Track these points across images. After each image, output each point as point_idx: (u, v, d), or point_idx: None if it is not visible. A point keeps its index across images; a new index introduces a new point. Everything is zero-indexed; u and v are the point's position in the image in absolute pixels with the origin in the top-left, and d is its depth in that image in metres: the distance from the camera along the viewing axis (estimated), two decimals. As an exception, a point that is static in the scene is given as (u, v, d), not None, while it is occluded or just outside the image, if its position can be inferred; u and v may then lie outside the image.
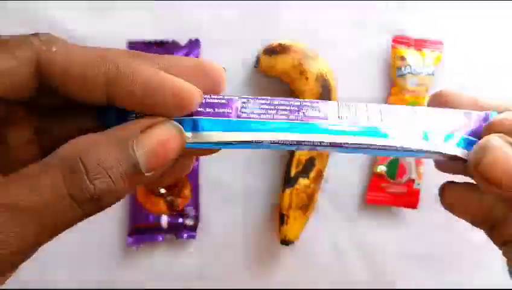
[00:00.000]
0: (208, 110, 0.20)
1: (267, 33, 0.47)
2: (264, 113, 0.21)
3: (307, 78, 0.44)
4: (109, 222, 0.48)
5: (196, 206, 0.48)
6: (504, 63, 0.49)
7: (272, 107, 0.21)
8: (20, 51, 0.17)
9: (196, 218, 0.47)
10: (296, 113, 0.21)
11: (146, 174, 0.17)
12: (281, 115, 0.21)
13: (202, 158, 0.48)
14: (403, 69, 0.47)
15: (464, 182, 0.22)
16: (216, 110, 0.20)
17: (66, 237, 0.47)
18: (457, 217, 0.23)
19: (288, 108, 0.21)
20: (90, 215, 0.17)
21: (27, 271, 0.47)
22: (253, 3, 0.48)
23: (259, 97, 0.21)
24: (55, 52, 0.17)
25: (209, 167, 0.48)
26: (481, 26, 0.49)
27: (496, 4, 0.49)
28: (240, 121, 0.20)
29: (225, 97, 0.21)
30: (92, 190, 0.16)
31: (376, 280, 0.49)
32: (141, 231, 0.47)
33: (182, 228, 0.47)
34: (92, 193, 0.16)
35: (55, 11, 0.46)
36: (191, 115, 0.20)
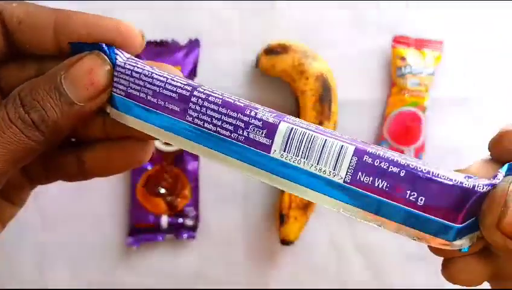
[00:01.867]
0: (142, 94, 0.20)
1: (267, 33, 0.47)
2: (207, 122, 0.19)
3: (307, 78, 0.44)
4: (109, 222, 0.48)
5: (196, 206, 0.48)
6: (504, 63, 0.49)
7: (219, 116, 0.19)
8: None
9: (196, 218, 0.47)
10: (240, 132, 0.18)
11: (78, 103, 0.19)
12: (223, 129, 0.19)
13: (202, 158, 0.48)
14: (403, 69, 0.47)
15: (468, 254, 0.19)
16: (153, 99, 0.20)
17: (66, 237, 0.48)
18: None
19: (234, 122, 0.18)
20: (39, 143, 0.19)
21: (27, 271, 0.47)
22: (253, 3, 0.48)
23: (216, 95, 0.19)
24: (15, 6, 0.20)
25: (209, 167, 0.48)
26: (481, 26, 0.49)
27: (496, 4, 0.49)
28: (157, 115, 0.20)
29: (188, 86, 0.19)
30: (27, 118, 0.19)
31: (376, 280, 0.49)
32: (141, 231, 0.47)
33: (182, 228, 0.47)
34: (28, 121, 0.19)
35: (55, 11, 0.46)
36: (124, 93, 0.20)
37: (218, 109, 0.18)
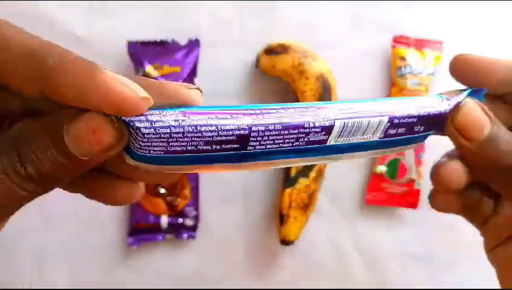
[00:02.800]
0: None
1: (267, 33, 0.47)
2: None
3: (307, 78, 0.44)
4: (109, 222, 0.48)
5: (196, 206, 0.48)
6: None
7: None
8: None
9: (196, 218, 0.47)
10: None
11: (82, 157, 0.18)
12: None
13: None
14: (402, 69, 0.47)
15: (447, 189, 0.25)
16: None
17: (66, 237, 0.48)
18: (455, 217, 0.27)
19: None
20: (37, 194, 0.18)
21: (27, 271, 0.47)
22: (253, 3, 0.48)
23: None
24: None
25: (209, 167, 0.48)
26: (481, 26, 0.49)
27: (496, 4, 0.49)
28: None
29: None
30: (22, 172, 0.17)
31: (376, 280, 0.49)
32: (141, 231, 0.47)
33: (182, 228, 0.47)
34: (24, 175, 0.17)
35: (56, 11, 0.46)
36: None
37: (279, 132, 0.20)
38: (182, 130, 0.18)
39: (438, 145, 0.50)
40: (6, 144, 0.18)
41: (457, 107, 0.23)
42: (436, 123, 0.23)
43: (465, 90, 0.24)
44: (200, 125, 0.18)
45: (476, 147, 0.22)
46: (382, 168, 0.48)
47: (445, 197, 0.26)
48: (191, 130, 0.18)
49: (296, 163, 0.21)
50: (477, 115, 0.22)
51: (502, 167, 0.22)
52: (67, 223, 0.47)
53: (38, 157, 0.17)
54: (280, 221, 0.46)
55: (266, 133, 0.19)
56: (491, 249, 0.26)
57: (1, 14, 0.19)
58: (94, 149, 0.17)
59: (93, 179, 0.22)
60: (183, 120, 0.18)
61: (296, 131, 0.20)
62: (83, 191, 0.22)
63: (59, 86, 0.16)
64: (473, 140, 0.22)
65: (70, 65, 0.16)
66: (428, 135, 0.24)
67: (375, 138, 0.22)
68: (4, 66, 0.17)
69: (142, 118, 0.18)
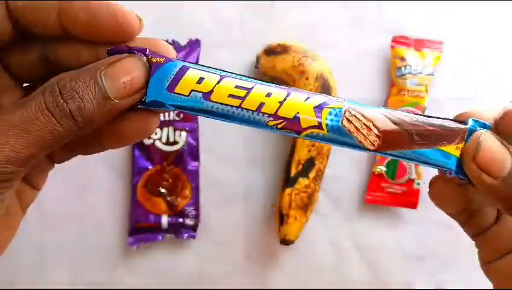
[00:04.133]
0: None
1: (267, 33, 0.47)
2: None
3: (307, 78, 0.44)
4: (109, 221, 0.48)
5: (196, 206, 0.48)
6: (504, 62, 0.49)
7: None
8: None
9: (196, 218, 0.47)
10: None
11: (115, 100, 0.20)
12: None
13: (202, 158, 0.48)
14: (402, 69, 0.47)
15: (450, 178, 0.24)
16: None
17: (66, 237, 0.48)
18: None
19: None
20: (71, 132, 0.20)
21: (27, 271, 0.47)
22: (253, 3, 0.48)
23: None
24: None
25: (209, 167, 0.48)
26: (481, 26, 0.49)
27: (496, 4, 0.49)
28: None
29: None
30: (64, 106, 0.19)
31: (376, 279, 0.50)
32: (141, 230, 0.47)
33: (182, 228, 0.47)
34: (65, 110, 0.19)
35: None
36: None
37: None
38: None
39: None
40: (50, 82, 0.20)
41: (474, 142, 0.22)
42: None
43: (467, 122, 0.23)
44: None
45: (500, 183, 0.21)
46: (382, 168, 0.48)
47: (445, 189, 0.25)
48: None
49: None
50: (499, 150, 0.21)
51: None
52: (67, 223, 0.47)
53: (80, 95, 0.19)
54: (280, 221, 0.46)
55: None
56: (488, 262, 0.25)
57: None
58: (126, 90, 0.20)
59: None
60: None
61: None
62: (85, 143, 0.24)
63: (74, 11, 0.20)
64: (497, 176, 0.21)
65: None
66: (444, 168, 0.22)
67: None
68: (34, 8, 0.20)
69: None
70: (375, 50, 0.49)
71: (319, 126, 0.21)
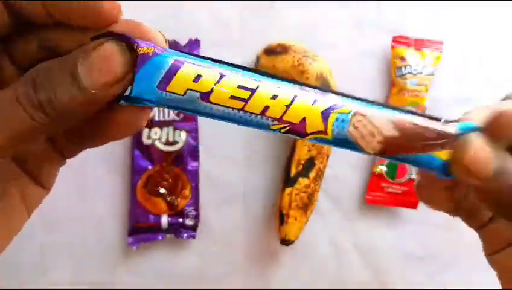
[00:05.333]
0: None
1: (267, 33, 0.47)
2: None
3: (307, 78, 0.44)
4: (109, 221, 0.48)
5: (196, 206, 0.48)
6: (504, 63, 0.49)
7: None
8: None
9: (196, 218, 0.47)
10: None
11: (92, 90, 0.18)
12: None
13: (202, 158, 0.48)
14: (402, 69, 0.47)
15: (437, 180, 0.24)
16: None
17: (67, 237, 0.48)
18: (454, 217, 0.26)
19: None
20: (44, 125, 0.19)
21: (27, 271, 0.47)
22: (253, 3, 0.48)
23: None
24: None
25: (209, 167, 0.48)
26: (481, 26, 0.49)
27: (496, 4, 0.49)
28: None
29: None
30: (34, 98, 0.18)
31: (376, 280, 0.50)
32: (141, 230, 0.47)
33: (182, 228, 0.47)
34: (34, 101, 0.18)
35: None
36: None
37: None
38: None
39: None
40: (25, 76, 0.19)
41: (462, 145, 0.21)
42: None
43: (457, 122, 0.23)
44: None
45: (486, 185, 0.21)
46: (382, 168, 0.48)
47: (432, 192, 0.25)
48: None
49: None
50: (484, 152, 0.21)
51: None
52: (68, 224, 0.47)
53: (52, 87, 0.18)
54: (280, 221, 0.46)
55: None
56: (491, 254, 0.25)
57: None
58: (104, 79, 0.19)
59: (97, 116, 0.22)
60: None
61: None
62: (86, 135, 0.23)
63: None
64: (483, 179, 0.21)
65: None
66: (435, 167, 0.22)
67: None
68: None
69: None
70: (375, 50, 0.49)
71: (325, 132, 0.20)
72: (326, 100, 0.20)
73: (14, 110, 0.18)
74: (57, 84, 0.18)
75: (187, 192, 0.47)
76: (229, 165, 0.48)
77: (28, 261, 0.47)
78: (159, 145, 0.47)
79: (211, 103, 0.19)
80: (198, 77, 0.19)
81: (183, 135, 0.47)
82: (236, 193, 0.48)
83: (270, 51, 0.45)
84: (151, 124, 0.47)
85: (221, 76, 0.19)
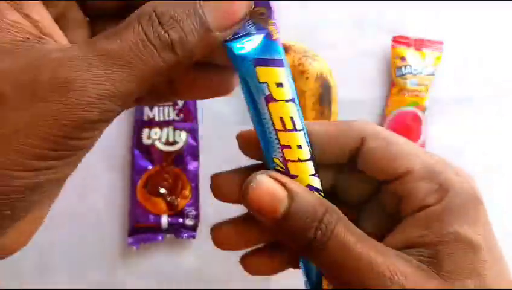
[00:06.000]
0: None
1: (267, 33, 0.47)
2: None
3: (307, 78, 0.44)
4: (109, 221, 0.48)
5: (196, 206, 0.48)
6: (504, 63, 0.49)
7: None
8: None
9: (196, 218, 0.47)
10: None
11: (215, 32, 0.18)
12: None
13: (202, 158, 0.48)
14: (403, 69, 0.47)
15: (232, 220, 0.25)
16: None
17: (66, 237, 0.48)
18: None
19: None
20: (169, 67, 0.18)
21: (27, 271, 0.47)
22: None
23: None
24: None
25: (209, 167, 0.48)
26: (481, 26, 0.49)
27: (496, 4, 0.49)
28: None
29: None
30: (166, 37, 0.17)
31: (376, 279, 0.49)
32: (141, 231, 0.47)
33: (182, 228, 0.47)
34: (166, 40, 0.17)
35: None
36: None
37: None
38: None
39: (439, 144, 0.50)
40: (143, 10, 0.18)
41: (246, 185, 0.22)
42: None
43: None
44: None
45: (275, 225, 0.21)
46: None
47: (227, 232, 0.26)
48: None
49: None
50: (272, 192, 0.21)
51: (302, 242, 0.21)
52: (67, 223, 0.47)
53: (181, 25, 0.17)
54: (280, 221, 0.46)
55: None
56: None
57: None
58: (227, 21, 0.19)
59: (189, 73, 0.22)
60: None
61: None
62: (182, 93, 0.23)
63: None
64: (272, 218, 0.21)
65: None
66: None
67: None
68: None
69: None
70: (375, 50, 0.49)
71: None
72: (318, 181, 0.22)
73: (146, 51, 0.17)
74: (186, 24, 0.18)
75: (187, 192, 0.47)
76: (229, 166, 0.48)
77: (28, 261, 0.47)
78: (159, 145, 0.47)
79: (266, 106, 0.20)
80: (279, 85, 0.20)
81: (183, 135, 0.47)
82: (236, 193, 0.48)
83: (270, 51, 0.45)
84: (151, 124, 0.47)
85: (292, 100, 0.20)
